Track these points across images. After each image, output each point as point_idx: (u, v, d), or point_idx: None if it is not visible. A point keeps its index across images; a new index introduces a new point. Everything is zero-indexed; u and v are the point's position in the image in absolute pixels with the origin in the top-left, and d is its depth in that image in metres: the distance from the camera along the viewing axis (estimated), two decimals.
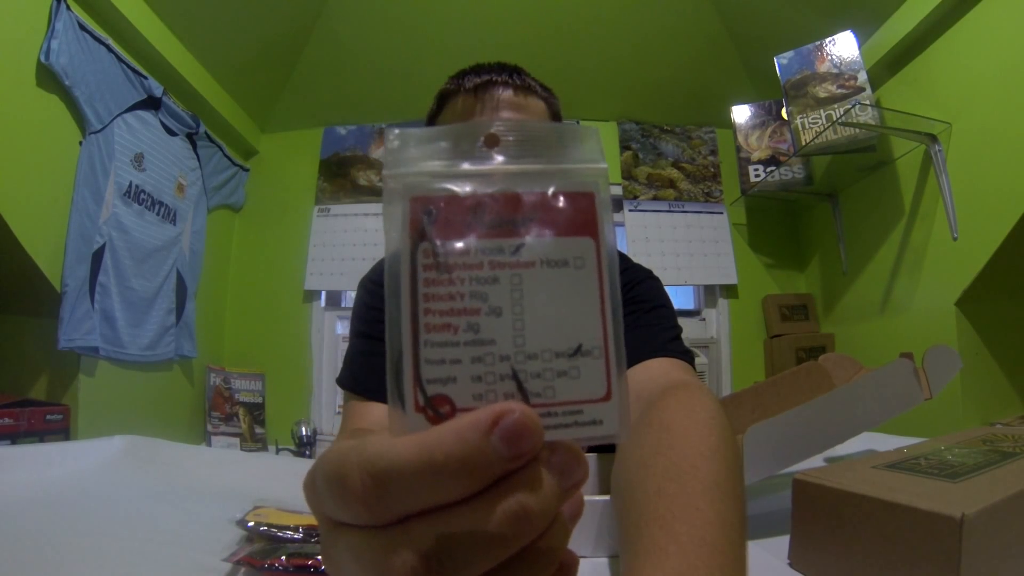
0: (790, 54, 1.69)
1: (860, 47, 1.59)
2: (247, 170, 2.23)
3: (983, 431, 0.64)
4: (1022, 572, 0.39)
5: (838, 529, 0.44)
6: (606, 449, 0.57)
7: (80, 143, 1.38)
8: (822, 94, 1.62)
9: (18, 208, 1.21)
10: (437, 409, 0.16)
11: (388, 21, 1.96)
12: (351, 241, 2.16)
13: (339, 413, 2.00)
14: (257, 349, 2.14)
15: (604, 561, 0.50)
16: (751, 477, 0.57)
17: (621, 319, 0.18)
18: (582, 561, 0.47)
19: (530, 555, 0.16)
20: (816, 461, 0.76)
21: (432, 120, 0.69)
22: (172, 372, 1.79)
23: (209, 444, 1.81)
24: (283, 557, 0.46)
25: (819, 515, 0.46)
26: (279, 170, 2.30)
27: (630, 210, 2.16)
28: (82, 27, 1.34)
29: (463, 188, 0.18)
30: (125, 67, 1.51)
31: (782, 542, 0.50)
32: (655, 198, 2.19)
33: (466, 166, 0.18)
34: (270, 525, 0.53)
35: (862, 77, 1.57)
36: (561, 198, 0.18)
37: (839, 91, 1.59)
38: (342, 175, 2.24)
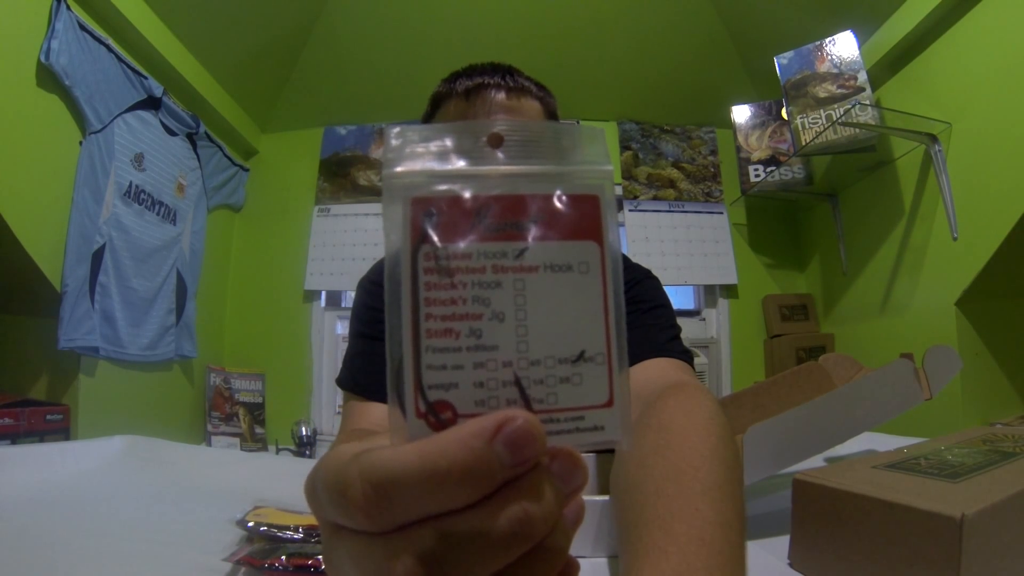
0: (790, 54, 1.69)
1: (860, 47, 1.59)
2: (247, 170, 2.23)
3: (983, 431, 0.64)
4: (1022, 572, 0.39)
5: (838, 529, 0.44)
6: (605, 450, 0.57)
7: (80, 143, 1.38)
8: (822, 94, 1.62)
9: (18, 208, 1.20)
10: (439, 415, 0.16)
11: (388, 21, 1.96)
12: (351, 241, 2.16)
13: (339, 413, 2.00)
14: (257, 349, 2.14)
15: (603, 561, 0.50)
16: (751, 477, 0.57)
17: (624, 324, 0.18)
18: (582, 561, 0.47)
19: (532, 559, 0.16)
20: (816, 461, 0.76)
21: (426, 123, 0.68)
22: (172, 372, 1.79)
23: (209, 444, 1.81)
24: (283, 557, 0.46)
25: (819, 515, 0.46)
26: (279, 170, 2.30)
27: (630, 210, 2.16)
28: (82, 27, 1.34)
29: (466, 189, 0.17)
30: (125, 67, 1.51)
31: (782, 542, 0.50)
32: (655, 198, 2.19)
33: (469, 166, 0.18)
34: (270, 525, 0.53)
35: (862, 77, 1.56)
36: (565, 201, 0.18)
37: (839, 91, 1.59)
38: (342, 175, 2.24)
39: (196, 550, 0.54)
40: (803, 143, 1.64)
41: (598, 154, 0.19)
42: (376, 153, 2.26)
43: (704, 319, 2.19)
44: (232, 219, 2.22)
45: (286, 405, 2.04)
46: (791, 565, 0.48)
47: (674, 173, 2.24)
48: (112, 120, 1.48)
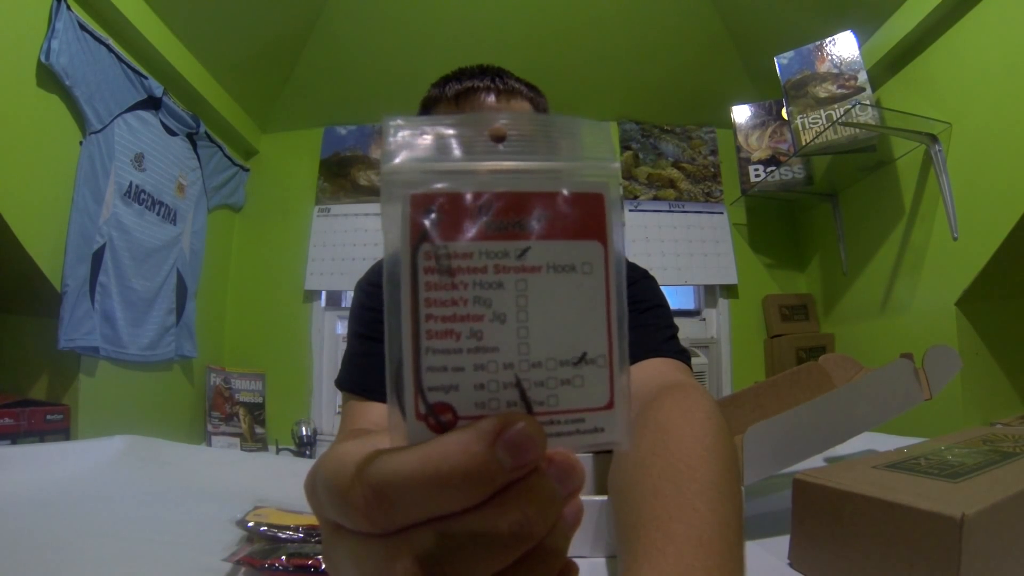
0: (790, 54, 1.69)
1: (860, 47, 1.59)
2: (247, 170, 2.23)
3: (983, 431, 0.64)
4: (1022, 572, 0.39)
5: (838, 529, 0.44)
6: (603, 450, 0.56)
7: (80, 143, 1.38)
8: (822, 94, 1.62)
9: (18, 208, 1.21)
10: (439, 417, 0.16)
11: (388, 21, 1.96)
12: (351, 241, 2.16)
13: (339, 413, 2.00)
14: (257, 349, 2.14)
15: (602, 561, 0.50)
16: (751, 477, 0.57)
17: (626, 326, 0.17)
18: (581, 561, 0.47)
19: (530, 560, 0.16)
20: (816, 461, 0.76)
21: None
22: (172, 372, 1.79)
23: (209, 444, 1.81)
24: (283, 557, 0.46)
25: (819, 515, 0.46)
26: (279, 170, 2.30)
27: (630, 210, 2.16)
28: (82, 27, 1.34)
29: (467, 186, 0.16)
30: (125, 67, 1.51)
31: (782, 542, 0.50)
32: (655, 198, 2.19)
33: (471, 162, 0.17)
34: (270, 525, 0.53)
35: (862, 77, 1.56)
36: (569, 198, 0.17)
37: (839, 91, 1.59)
38: (342, 175, 2.24)
39: (196, 550, 0.54)
40: (803, 143, 1.64)
41: (603, 150, 0.18)
42: (376, 153, 2.26)
43: (704, 319, 2.19)
44: (232, 219, 2.22)
45: (286, 405, 2.04)
46: (791, 565, 0.48)
47: (674, 173, 2.24)
48: (112, 120, 1.48)
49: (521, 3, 1.93)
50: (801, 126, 1.65)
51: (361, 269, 0.78)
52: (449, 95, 0.62)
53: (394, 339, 0.16)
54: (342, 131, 2.29)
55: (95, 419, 1.38)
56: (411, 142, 0.17)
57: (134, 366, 1.60)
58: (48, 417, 1.27)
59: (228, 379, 1.95)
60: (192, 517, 0.68)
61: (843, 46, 1.60)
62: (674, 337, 0.63)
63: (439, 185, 0.16)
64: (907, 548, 0.38)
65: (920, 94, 1.52)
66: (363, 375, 0.64)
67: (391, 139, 0.17)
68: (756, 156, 1.98)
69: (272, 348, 2.14)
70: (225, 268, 2.18)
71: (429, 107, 0.66)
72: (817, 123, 1.61)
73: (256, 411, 1.98)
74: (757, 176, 1.96)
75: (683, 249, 2.13)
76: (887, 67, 1.64)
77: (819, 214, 2.07)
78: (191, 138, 1.85)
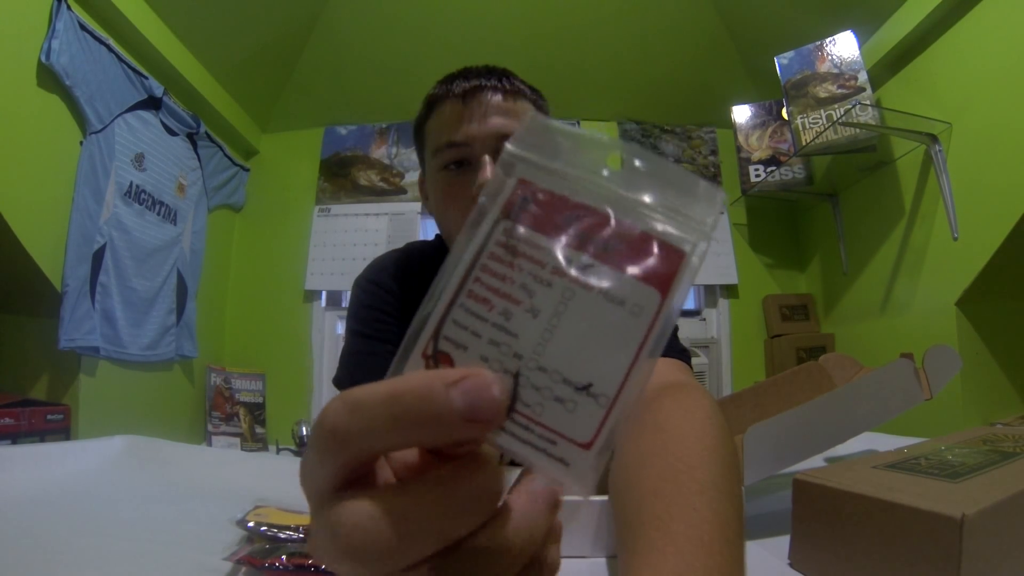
0: (790, 54, 1.69)
1: (860, 47, 1.59)
2: (247, 170, 2.23)
3: (983, 431, 0.64)
4: (1022, 572, 0.39)
5: (838, 529, 0.44)
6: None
7: (81, 143, 1.39)
8: (822, 94, 1.62)
9: (19, 208, 1.21)
10: (438, 363, 0.17)
11: (388, 21, 1.96)
12: (351, 241, 2.16)
13: None
14: (257, 349, 2.14)
15: (602, 561, 0.50)
16: (751, 477, 0.57)
17: (645, 382, 0.17)
18: (581, 562, 0.47)
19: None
20: (816, 461, 0.76)
21: (421, 126, 0.68)
22: (172, 372, 1.79)
23: (209, 444, 1.81)
24: (283, 557, 0.46)
25: (819, 515, 0.46)
26: (279, 170, 2.30)
27: None
28: (83, 27, 1.34)
29: (569, 192, 0.18)
30: (126, 67, 1.51)
31: (782, 542, 0.50)
32: None
33: (582, 174, 0.18)
34: (270, 525, 0.53)
35: (862, 77, 1.56)
36: (653, 243, 0.17)
37: (839, 91, 1.59)
38: (343, 175, 2.25)
39: (196, 550, 0.54)
40: (803, 143, 1.64)
41: (706, 214, 0.18)
42: (377, 153, 2.26)
43: (704, 319, 2.19)
44: (232, 219, 2.22)
45: (286, 405, 2.04)
46: (791, 565, 0.48)
47: None
48: (113, 120, 1.48)
49: (522, 4, 1.93)
50: (801, 126, 1.65)
51: (361, 269, 0.78)
52: (456, 92, 0.62)
53: (437, 286, 0.17)
54: (342, 131, 2.29)
55: (95, 419, 1.39)
56: (543, 137, 0.19)
57: (134, 366, 1.60)
58: (48, 417, 1.27)
59: (228, 379, 1.95)
60: (192, 517, 0.68)
61: (843, 46, 1.60)
62: (674, 336, 0.63)
63: (545, 182, 0.18)
64: (907, 548, 0.38)
65: (920, 94, 1.52)
66: (362, 373, 0.64)
67: (528, 126, 0.19)
68: (756, 156, 1.98)
69: (272, 348, 2.14)
70: (225, 268, 2.18)
71: (434, 104, 0.65)
72: (817, 123, 1.61)
73: (256, 411, 1.98)
74: (757, 176, 1.96)
75: None
76: (887, 67, 1.64)
77: (819, 214, 2.07)
78: (191, 138, 1.85)
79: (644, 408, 0.41)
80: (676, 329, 0.65)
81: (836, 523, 0.44)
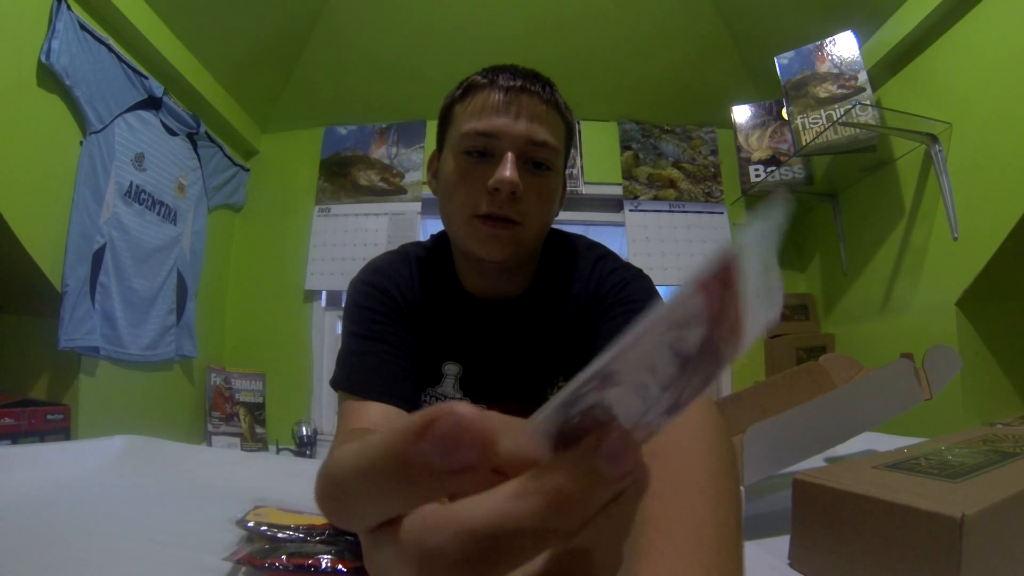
0: (790, 54, 1.69)
1: (860, 47, 1.59)
2: (247, 170, 2.23)
3: (983, 431, 0.64)
4: (1022, 572, 0.39)
5: (838, 529, 0.44)
6: None
7: (81, 143, 1.38)
8: (822, 94, 1.62)
9: (19, 208, 1.21)
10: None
11: (389, 21, 1.96)
12: (351, 241, 2.16)
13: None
14: (257, 349, 2.14)
15: None
16: (751, 477, 0.57)
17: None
18: None
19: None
20: (816, 461, 0.76)
21: (451, 106, 0.67)
22: (172, 372, 1.79)
23: (209, 444, 1.81)
24: (283, 557, 0.46)
25: (819, 515, 0.46)
26: (279, 170, 2.30)
27: (630, 210, 2.16)
28: (83, 27, 1.34)
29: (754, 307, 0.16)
30: (126, 67, 1.51)
31: (782, 542, 0.50)
32: (655, 198, 2.19)
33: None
34: (270, 525, 0.53)
35: (862, 77, 1.56)
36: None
37: (839, 91, 1.59)
38: (343, 175, 2.25)
39: (196, 550, 0.54)
40: (803, 143, 1.64)
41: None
42: (377, 153, 2.26)
43: None
44: (232, 219, 2.22)
45: (286, 405, 2.04)
46: (791, 565, 0.48)
47: (674, 173, 2.24)
48: (113, 120, 1.48)
49: (521, 5, 1.93)
50: (801, 126, 1.65)
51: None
52: (501, 85, 0.63)
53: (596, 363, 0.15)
54: (342, 131, 2.29)
55: (95, 419, 1.38)
56: (766, 245, 0.16)
57: (134, 366, 1.60)
58: (48, 417, 1.27)
59: (228, 379, 1.95)
60: (192, 517, 0.68)
61: (843, 46, 1.60)
62: None
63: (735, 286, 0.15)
64: (907, 548, 0.38)
65: (920, 94, 1.52)
66: (361, 374, 0.64)
67: (725, 263, 0.15)
68: (756, 156, 1.98)
69: (272, 348, 2.14)
70: (225, 268, 2.18)
71: (473, 89, 0.65)
72: (817, 123, 1.61)
73: (256, 411, 1.98)
74: (757, 176, 1.96)
75: (683, 249, 2.13)
76: (887, 67, 1.64)
77: (819, 214, 2.07)
78: (191, 138, 1.85)
79: None
80: None
81: (836, 523, 0.44)
